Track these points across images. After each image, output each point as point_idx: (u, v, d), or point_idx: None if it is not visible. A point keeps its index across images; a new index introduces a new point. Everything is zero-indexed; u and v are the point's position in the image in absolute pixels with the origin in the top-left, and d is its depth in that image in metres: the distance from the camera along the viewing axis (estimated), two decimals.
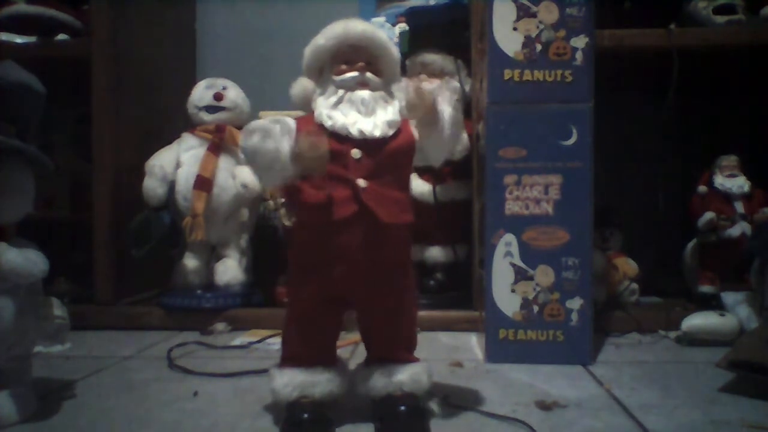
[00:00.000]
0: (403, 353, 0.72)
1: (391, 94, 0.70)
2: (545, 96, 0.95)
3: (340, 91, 0.68)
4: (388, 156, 0.67)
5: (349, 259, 0.66)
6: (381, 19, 1.49)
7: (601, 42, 1.09)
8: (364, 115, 0.67)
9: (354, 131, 0.66)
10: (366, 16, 1.57)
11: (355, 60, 0.69)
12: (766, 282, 1.02)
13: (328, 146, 0.63)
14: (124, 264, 1.28)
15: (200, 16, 1.74)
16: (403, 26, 1.41)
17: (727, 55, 1.22)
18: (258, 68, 1.69)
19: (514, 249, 0.95)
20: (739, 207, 1.21)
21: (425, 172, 1.29)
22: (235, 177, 1.25)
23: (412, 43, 1.35)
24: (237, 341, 1.11)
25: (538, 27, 0.96)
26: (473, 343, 1.09)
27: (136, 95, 1.36)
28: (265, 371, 0.78)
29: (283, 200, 0.86)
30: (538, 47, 0.96)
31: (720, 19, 1.20)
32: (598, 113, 0.95)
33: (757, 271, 1.05)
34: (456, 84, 1.24)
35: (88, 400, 0.79)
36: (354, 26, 0.69)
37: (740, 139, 1.31)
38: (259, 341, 1.10)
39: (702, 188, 1.24)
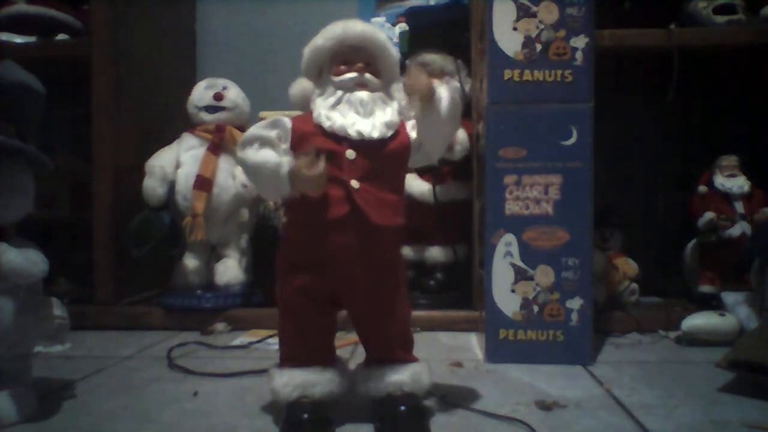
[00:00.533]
0: (402, 353, 0.72)
1: (390, 95, 0.70)
2: (545, 96, 0.95)
3: (339, 92, 0.68)
4: (382, 158, 0.67)
5: (340, 259, 0.66)
6: (381, 19, 1.49)
7: (601, 42, 1.09)
8: (363, 116, 0.67)
9: (352, 132, 0.66)
10: (366, 16, 1.57)
11: (354, 61, 0.69)
12: (766, 282, 1.02)
13: (325, 155, 0.64)
14: (124, 264, 1.28)
15: (200, 17, 1.75)
16: (403, 26, 1.41)
17: (727, 55, 1.22)
18: (258, 68, 1.69)
19: (514, 249, 0.95)
20: (739, 207, 1.21)
21: (425, 172, 1.29)
22: (235, 177, 1.25)
23: (412, 43, 1.35)
24: (237, 341, 1.11)
25: (538, 27, 0.96)
26: (473, 343, 1.09)
27: (136, 95, 1.36)
28: (265, 371, 0.79)
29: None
30: (538, 47, 0.96)
31: (720, 19, 1.20)
32: (598, 113, 0.95)
33: (757, 271, 1.05)
34: (456, 84, 1.24)
35: (88, 400, 0.79)
36: (353, 27, 0.69)
37: (740, 139, 1.31)
38: (259, 341, 1.10)
39: (702, 188, 1.24)
